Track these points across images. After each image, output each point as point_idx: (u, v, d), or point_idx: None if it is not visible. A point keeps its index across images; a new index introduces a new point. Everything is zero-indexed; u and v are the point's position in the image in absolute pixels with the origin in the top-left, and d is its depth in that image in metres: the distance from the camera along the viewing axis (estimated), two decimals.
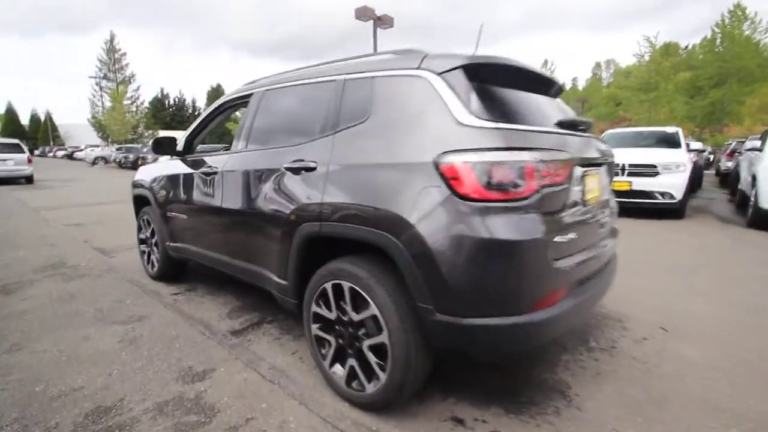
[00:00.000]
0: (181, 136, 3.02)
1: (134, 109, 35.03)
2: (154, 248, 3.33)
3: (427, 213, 1.41)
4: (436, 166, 1.42)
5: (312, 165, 1.81)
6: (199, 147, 3.11)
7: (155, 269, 3.36)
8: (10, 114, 59.51)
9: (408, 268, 1.44)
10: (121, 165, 22.37)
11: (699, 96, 23.78)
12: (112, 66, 37.19)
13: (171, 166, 3.00)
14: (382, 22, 16.28)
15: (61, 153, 39.89)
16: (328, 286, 1.76)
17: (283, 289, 2.03)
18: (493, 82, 1.59)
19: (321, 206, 1.73)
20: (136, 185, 3.48)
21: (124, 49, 39.00)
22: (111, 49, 37.29)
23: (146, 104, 40.53)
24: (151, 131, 35.66)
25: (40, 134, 57.44)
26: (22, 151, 13.31)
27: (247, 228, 2.24)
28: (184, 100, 61.62)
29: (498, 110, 1.49)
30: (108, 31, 41.35)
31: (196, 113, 61.19)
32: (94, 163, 26.75)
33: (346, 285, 1.68)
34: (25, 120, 61.44)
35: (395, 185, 1.50)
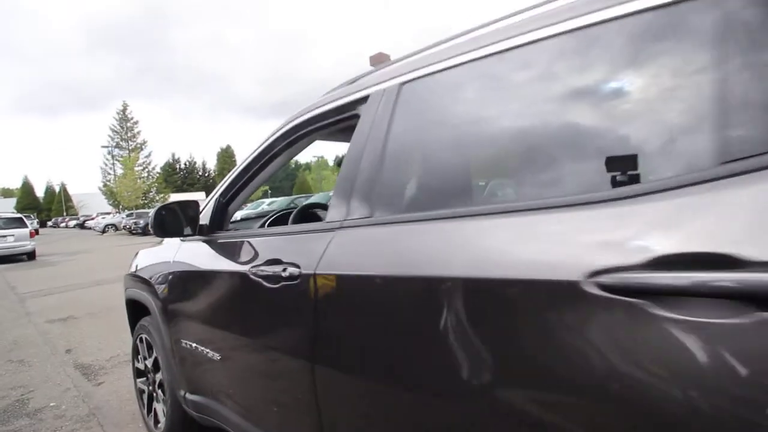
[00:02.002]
0: (206, 199, 1.74)
1: (145, 175, 35.01)
2: (158, 392, 1.94)
3: None
4: None
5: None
6: (240, 213, 1.81)
7: (160, 428, 1.94)
8: (26, 188, 61.06)
9: None
10: (131, 231, 21.56)
11: None
12: (125, 134, 37.82)
13: (190, 252, 1.68)
14: None
15: (72, 223, 39.65)
16: None
17: None
18: None
19: None
20: (130, 281, 2.14)
21: (136, 117, 39.74)
22: (123, 118, 38.12)
23: (158, 169, 40.78)
24: (162, 195, 35.37)
25: (54, 205, 58.29)
26: (24, 226, 12.37)
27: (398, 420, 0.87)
28: (195, 162, 62.58)
29: None
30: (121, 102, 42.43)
31: (207, 174, 61.71)
32: (104, 231, 25.98)
33: None
34: (40, 192, 62.81)
35: None
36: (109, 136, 37.58)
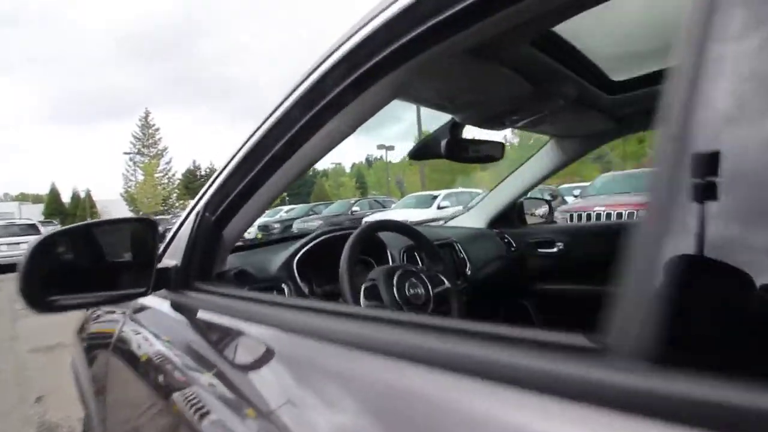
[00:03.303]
0: (181, 216, 0.93)
1: (166, 181, 35.18)
2: None
3: None
4: None
5: None
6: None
7: None
8: (54, 194, 62.69)
9: None
10: None
11: None
12: (146, 141, 38.22)
13: (144, 324, 0.86)
14: None
15: None
16: None
17: None
18: None
19: None
20: (75, 342, 1.34)
21: (158, 124, 40.10)
22: (145, 125, 38.54)
23: (178, 176, 41.09)
24: (182, 201, 35.41)
25: (79, 211, 59.55)
26: (38, 233, 12.05)
27: None
28: (215, 170, 62.97)
29: None
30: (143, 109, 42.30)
31: None
32: None
33: None
34: (66, 198, 64.37)
35: None
36: (131, 142, 38.04)
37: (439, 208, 9.78)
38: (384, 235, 1.27)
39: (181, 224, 0.88)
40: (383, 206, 12.77)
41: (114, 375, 0.88)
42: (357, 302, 0.91)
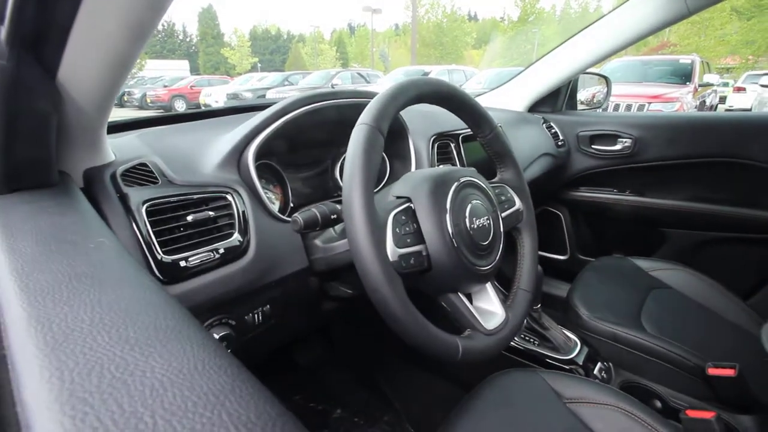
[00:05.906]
0: None
1: None
2: None
3: None
4: None
5: None
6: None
7: None
8: None
9: None
10: None
11: (761, 16, 19.24)
12: None
13: None
14: None
15: None
16: None
17: None
18: None
19: None
20: None
21: None
22: None
23: None
24: (139, 61, 31.56)
25: None
26: None
27: None
28: (174, 24, 55.41)
29: None
30: None
31: (188, 39, 55.32)
32: None
33: None
34: None
35: None
36: None
37: None
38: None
39: None
40: (367, 81, 11.55)
41: None
42: (380, 244, 0.46)
